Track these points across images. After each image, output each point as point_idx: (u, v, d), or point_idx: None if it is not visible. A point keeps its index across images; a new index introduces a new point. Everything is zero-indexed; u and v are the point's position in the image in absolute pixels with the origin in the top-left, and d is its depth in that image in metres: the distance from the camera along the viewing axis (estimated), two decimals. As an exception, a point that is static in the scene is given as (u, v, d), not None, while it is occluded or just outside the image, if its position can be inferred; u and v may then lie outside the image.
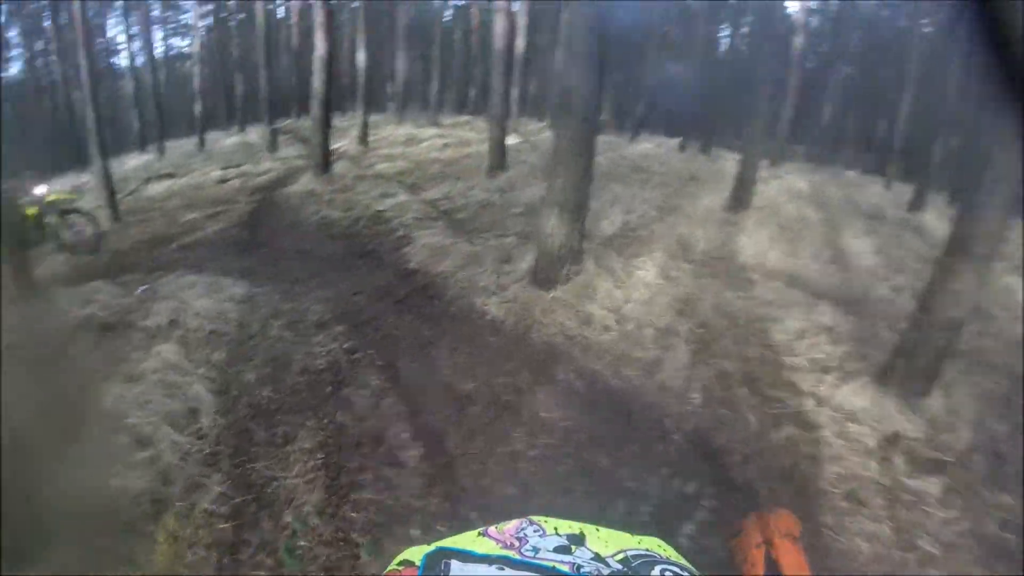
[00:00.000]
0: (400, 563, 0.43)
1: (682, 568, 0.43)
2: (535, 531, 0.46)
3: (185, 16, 19.38)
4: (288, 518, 2.08)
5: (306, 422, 2.61)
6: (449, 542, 0.44)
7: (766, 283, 4.65)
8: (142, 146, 14.63)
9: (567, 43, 4.25)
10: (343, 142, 11.45)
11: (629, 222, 5.74)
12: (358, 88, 11.62)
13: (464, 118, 14.54)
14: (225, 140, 14.35)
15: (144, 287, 4.30)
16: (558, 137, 4.01)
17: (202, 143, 13.13)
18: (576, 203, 3.89)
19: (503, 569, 0.40)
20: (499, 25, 7.85)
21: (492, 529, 0.46)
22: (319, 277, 4.46)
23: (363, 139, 11.10)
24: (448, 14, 22.37)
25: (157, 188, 7.31)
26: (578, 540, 0.44)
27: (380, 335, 3.55)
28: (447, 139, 11.07)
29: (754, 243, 5.60)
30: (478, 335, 3.59)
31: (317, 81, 7.96)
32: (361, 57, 11.36)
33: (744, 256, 5.31)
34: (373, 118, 16.21)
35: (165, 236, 5.95)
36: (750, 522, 0.65)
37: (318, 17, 7.80)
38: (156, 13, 19.16)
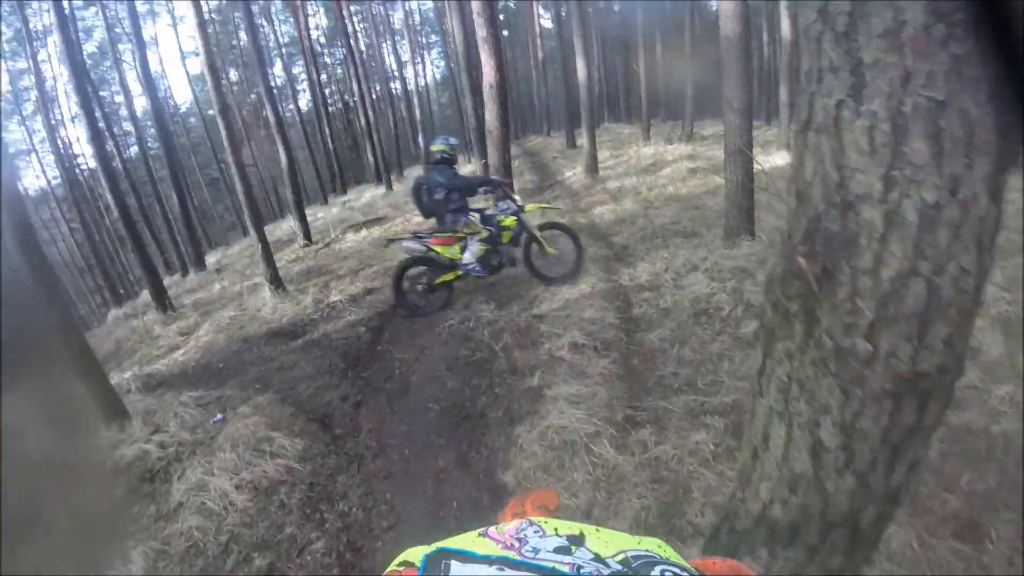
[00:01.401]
0: (400, 564, 0.44)
1: (682, 569, 0.42)
2: (535, 532, 0.46)
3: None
4: None
5: None
6: (449, 543, 0.45)
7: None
8: (378, 178, 13.67)
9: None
10: (575, 170, 9.56)
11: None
12: (586, 103, 9.17)
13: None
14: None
15: (218, 416, 3.52)
16: None
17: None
18: None
19: (503, 570, 0.40)
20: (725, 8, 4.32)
21: (492, 530, 0.47)
22: (390, 456, 2.90)
23: (591, 168, 8.79)
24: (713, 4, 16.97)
25: (353, 239, 5.93)
26: (578, 541, 0.45)
27: None
28: (697, 161, 8.38)
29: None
30: None
31: (489, 115, 5.62)
32: (581, 67, 8.73)
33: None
34: (626, 130, 14.01)
35: (281, 331, 4.70)
36: (514, 498, 0.65)
37: (480, 32, 5.51)
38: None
